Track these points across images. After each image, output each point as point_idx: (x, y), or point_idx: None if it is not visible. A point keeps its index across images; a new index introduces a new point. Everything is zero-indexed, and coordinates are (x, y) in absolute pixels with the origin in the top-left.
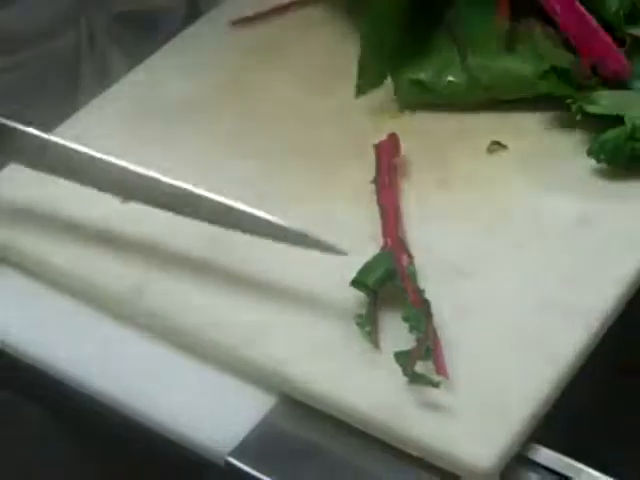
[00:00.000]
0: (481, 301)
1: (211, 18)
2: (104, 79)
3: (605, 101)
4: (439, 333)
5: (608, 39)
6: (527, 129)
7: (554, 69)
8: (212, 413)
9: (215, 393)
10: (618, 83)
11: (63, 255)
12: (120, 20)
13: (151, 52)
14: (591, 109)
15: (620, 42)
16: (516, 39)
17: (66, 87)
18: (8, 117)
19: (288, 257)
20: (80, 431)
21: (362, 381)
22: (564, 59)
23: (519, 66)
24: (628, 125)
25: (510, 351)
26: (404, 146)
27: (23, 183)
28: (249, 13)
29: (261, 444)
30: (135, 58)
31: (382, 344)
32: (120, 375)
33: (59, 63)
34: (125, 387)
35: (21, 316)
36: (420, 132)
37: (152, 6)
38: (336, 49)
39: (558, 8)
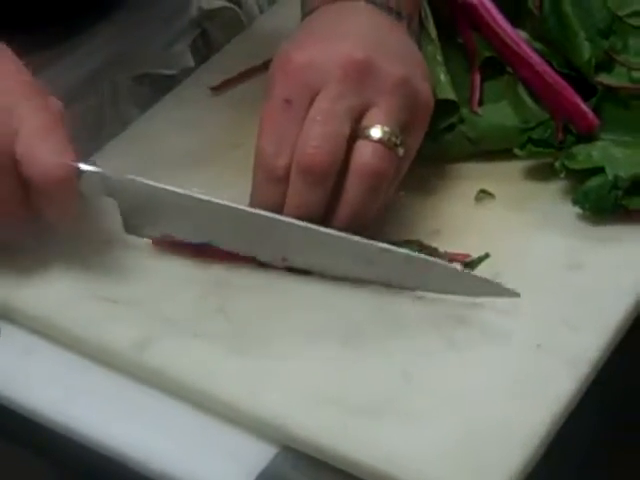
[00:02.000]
0: (473, 345)
1: (198, 76)
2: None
3: (582, 156)
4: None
5: (574, 98)
6: (512, 176)
7: (531, 140)
8: (215, 464)
9: (217, 444)
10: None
11: (63, 310)
12: (139, 81)
13: None
14: (572, 165)
15: (592, 90)
16: (499, 93)
17: (88, 145)
18: None
19: (287, 303)
20: None
21: (364, 430)
22: (542, 115)
23: (503, 120)
24: (610, 176)
25: (504, 395)
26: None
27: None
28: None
29: None
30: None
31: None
32: (122, 427)
33: (83, 123)
34: (126, 438)
35: (24, 370)
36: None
37: (169, 68)
38: None
39: (524, 71)
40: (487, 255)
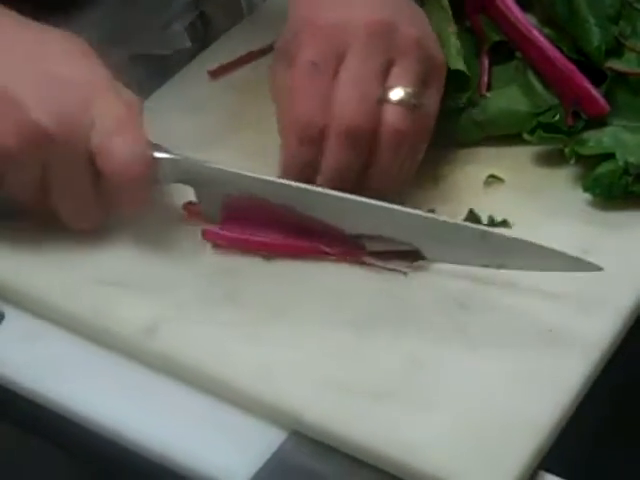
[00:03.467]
0: (484, 331)
1: (202, 60)
2: None
3: (593, 142)
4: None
5: (584, 82)
6: (522, 162)
7: (541, 125)
8: (224, 449)
9: (226, 429)
10: (600, 122)
11: (71, 294)
12: (134, 61)
13: (158, 88)
14: (583, 151)
15: (602, 75)
16: (508, 78)
17: None
18: None
19: (299, 290)
20: (90, 470)
21: (373, 416)
22: (552, 100)
23: (512, 105)
24: (620, 162)
25: (516, 380)
26: None
27: (31, 223)
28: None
29: (273, 479)
30: (144, 93)
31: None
32: (129, 412)
33: None
34: (134, 423)
35: (28, 355)
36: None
37: (165, 48)
38: None
39: (534, 56)
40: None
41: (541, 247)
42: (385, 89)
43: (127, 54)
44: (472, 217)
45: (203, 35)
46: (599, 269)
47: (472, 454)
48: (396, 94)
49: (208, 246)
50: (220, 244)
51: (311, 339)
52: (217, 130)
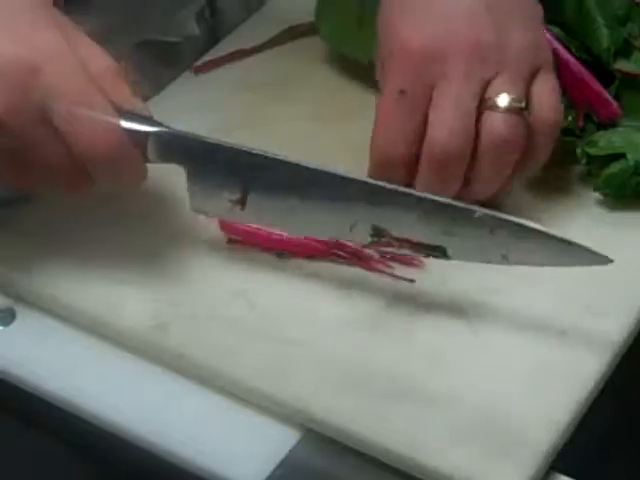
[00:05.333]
0: (496, 331)
1: (213, 56)
2: None
3: (603, 142)
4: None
5: (597, 86)
6: None
7: None
8: (238, 449)
9: (240, 429)
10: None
11: (81, 291)
12: (142, 47)
13: (170, 78)
14: (594, 152)
15: (610, 76)
16: None
17: None
18: None
19: (313, 288)
20: (100, 469)
21: (388, 415)
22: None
23: None
24: (631, 162)
25: (528, 381)
26: None
27: (41, 220)
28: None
29: (288, 478)
30: (155, 83)
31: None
32: (144, 412)
33: None
34: (149, 424)
35: (40, 354)
36: None
37: (172, 35)
38: (342, 85)
39: None
40: None
41: (554, 237)
42: (487, 99)
43: (135, 40)
44: None
45: (212, 23)
46: (610, 261)
47: (488, 453)
48: (502, 101)
49: (222, 242)
50: (236, 239)
51: (325, 337)
52: (225, 129)
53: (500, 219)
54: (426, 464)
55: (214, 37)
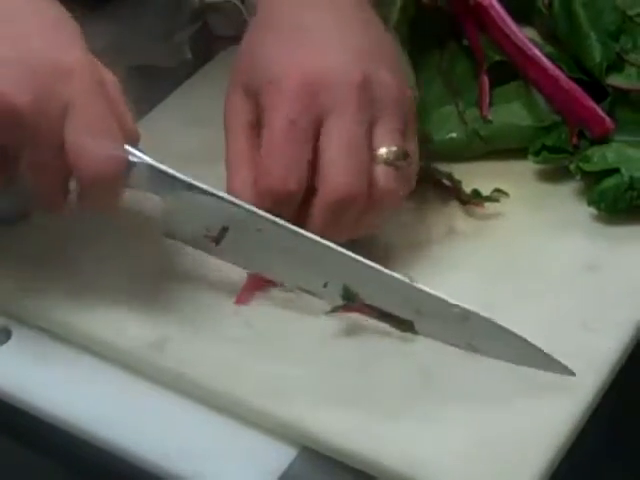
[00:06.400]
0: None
1: (206, 73)
2: None
3: (597, 158)
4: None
5: (589, 102)
6: (527, 177)
7: (546, 147)
8: (236, 467)
9: (237, 446)
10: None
11: (77, 310)
12: (134, 72)
13: (158, 100)
14: (587, 167)
15: (602, 91)
16: (510, 96)
17: None
18: None
19: (306, 310)
20: None
21: (385, 433)
22: (556, 117)
23: (516, 120)
24: (625, 177)
25: (524, 397)
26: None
27: (39, 240)
28: None
29: None
30: (143, 105)
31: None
32: (138, 428)
33: None
34: (143, 440)
35: (36, 373)
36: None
37: (166, 59)
38: None
39: (538, 76)
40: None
41: (521, 339)
42: (373, 150)
43: (128, 65)
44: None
45: (204, 46)
46: (572, 374)
47: (487, 469)
48: (385, 155)
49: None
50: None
51: (322, 355)
52: (220, 144)
53: (471, 312)
54: None
55: (207, 60)
